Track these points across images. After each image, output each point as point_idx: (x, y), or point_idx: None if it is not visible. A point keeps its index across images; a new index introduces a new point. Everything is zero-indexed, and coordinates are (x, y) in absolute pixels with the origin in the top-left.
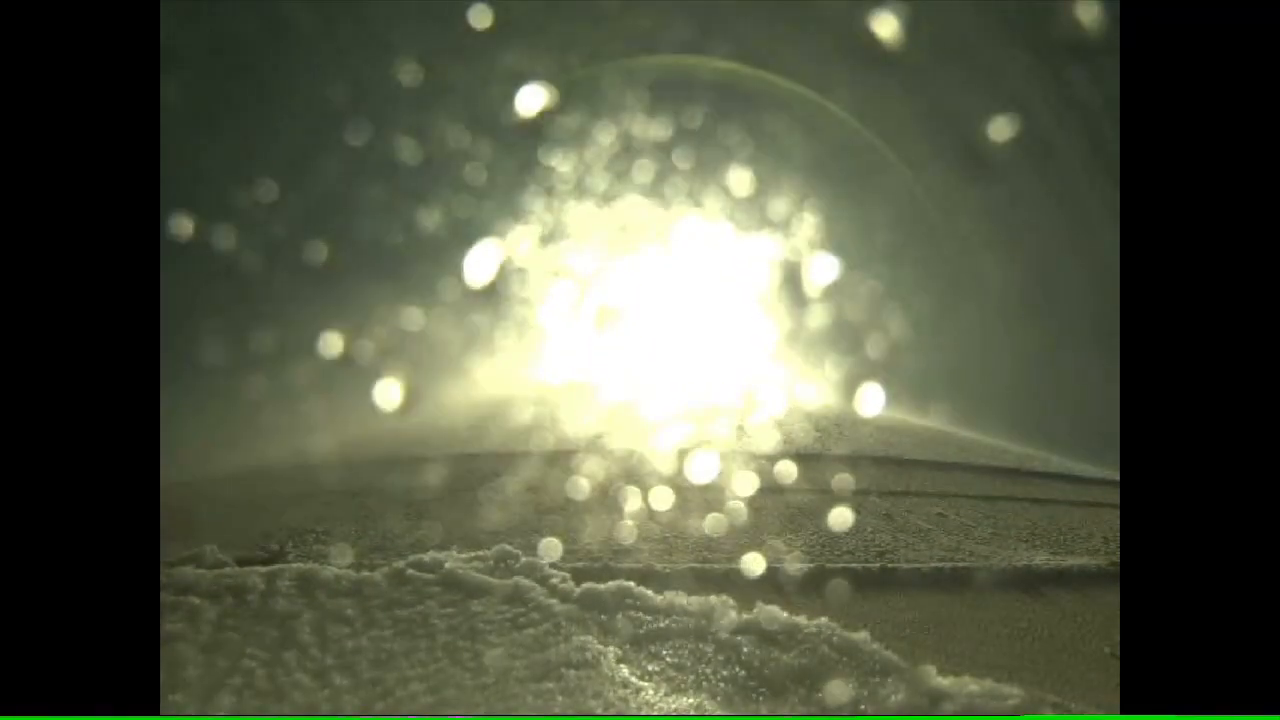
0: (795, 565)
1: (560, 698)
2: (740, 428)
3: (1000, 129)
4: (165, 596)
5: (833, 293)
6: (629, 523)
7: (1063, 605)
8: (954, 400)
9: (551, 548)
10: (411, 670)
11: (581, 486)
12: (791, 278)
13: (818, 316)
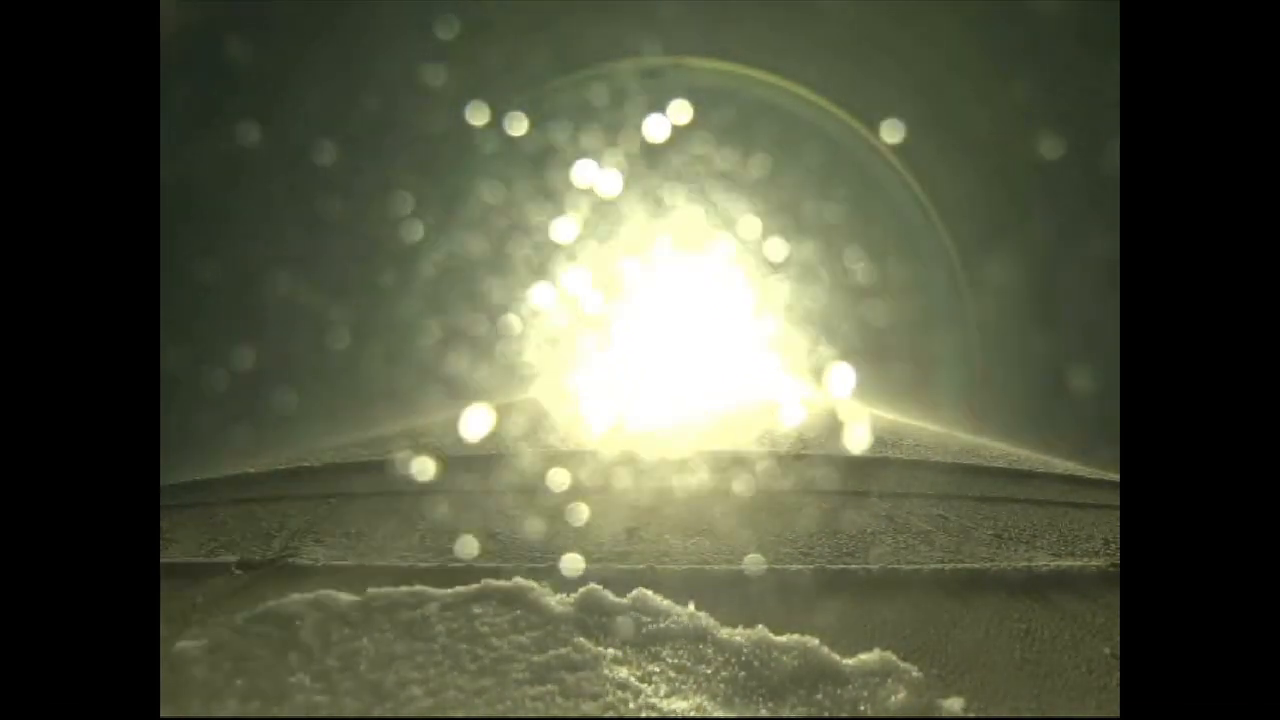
0: (795, 566)
1: (560, 700)
2: (740, 428)
3: (1001, 126)
4: (165, 598)
5: (833, 294)
6: (629, 524)
7: (1063, 607)
8: (954, 401)
9: (551, 549)
10: (412, 673)
11: (581, 487)
12: (792, 280)
13: (818, 317)
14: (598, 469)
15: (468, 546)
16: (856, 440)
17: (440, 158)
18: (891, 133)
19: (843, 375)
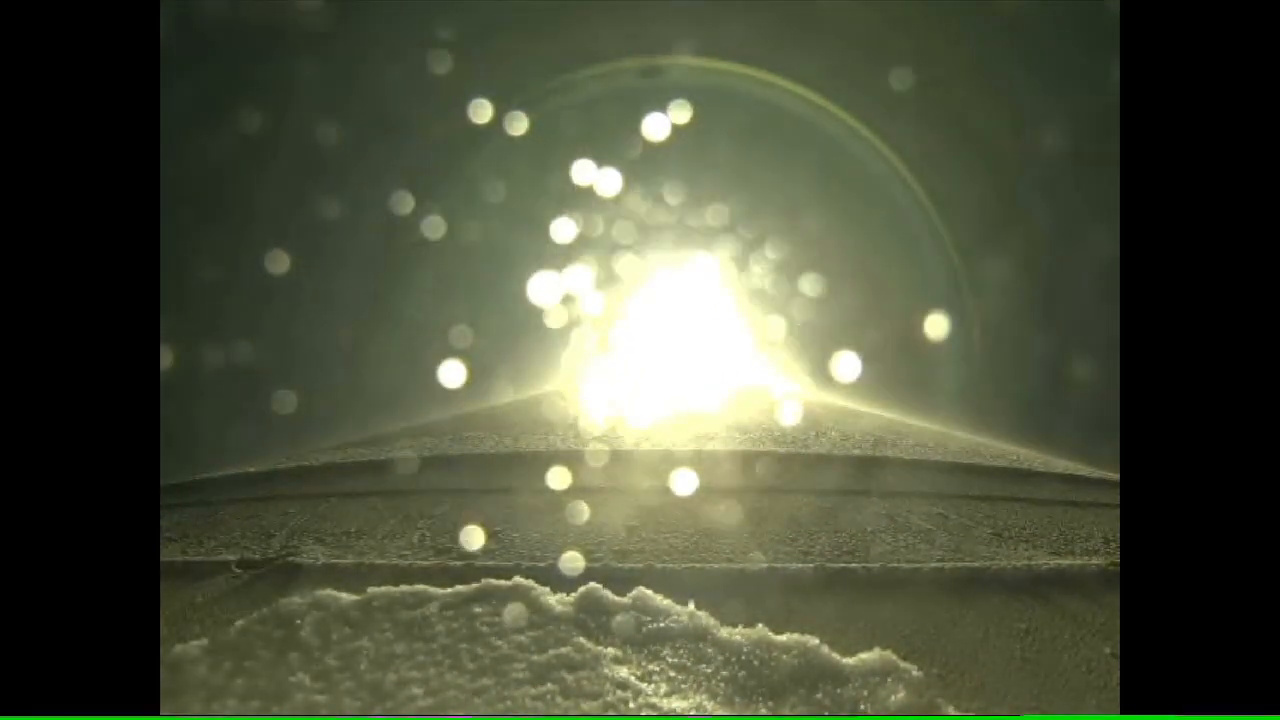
0: (796, 565)
1: (560, 699)
2: (740, 428)
3: (1005, 123)
4: (165, 598)
5: (833, 294)
6: (629, 523)
7: (1063, 606)
8: (954, 400)
9: (551, 548)
10: (412, 673)
11: (581, 487)
12: (791, 280)
13: (818, 318)
14: (598, 467)
15: (468, 545)
16: (856, 438)
17: (441, 157)
18: (892, 130)
19: (843, 374)
